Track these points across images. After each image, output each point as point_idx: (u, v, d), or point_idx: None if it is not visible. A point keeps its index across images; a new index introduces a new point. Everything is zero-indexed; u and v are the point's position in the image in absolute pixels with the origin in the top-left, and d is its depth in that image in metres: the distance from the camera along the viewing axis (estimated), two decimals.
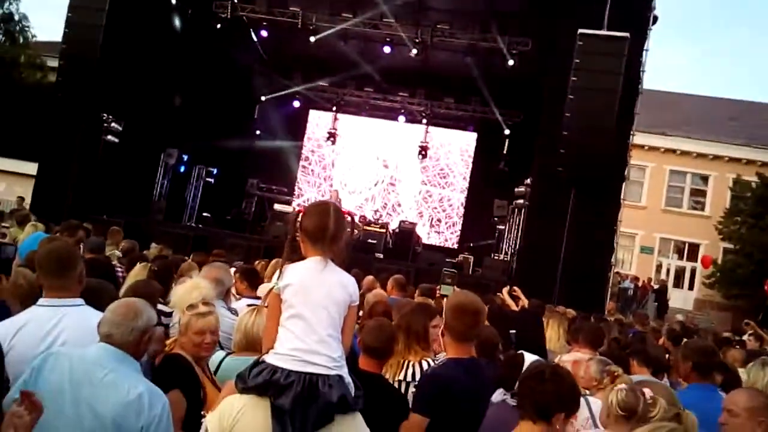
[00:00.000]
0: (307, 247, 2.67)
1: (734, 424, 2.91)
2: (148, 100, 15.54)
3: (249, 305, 4.07)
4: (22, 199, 14.92)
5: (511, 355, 3.65)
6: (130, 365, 2.62)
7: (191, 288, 3.86)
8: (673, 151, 27.59)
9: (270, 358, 2.50)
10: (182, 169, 17.94)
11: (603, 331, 5.25)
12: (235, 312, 4.31)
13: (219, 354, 3.53)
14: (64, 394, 2.51)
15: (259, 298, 5.01)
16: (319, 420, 2.39)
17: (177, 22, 16.35)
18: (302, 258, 2.68)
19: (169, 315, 4.11)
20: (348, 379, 2.52)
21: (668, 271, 27.37)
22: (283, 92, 21.29)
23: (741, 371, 4.68)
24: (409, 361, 3.77)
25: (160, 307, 4.23)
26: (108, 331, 2.61)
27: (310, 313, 2.53)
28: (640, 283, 21.94)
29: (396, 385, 3.63)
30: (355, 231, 16.32)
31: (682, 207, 28.00)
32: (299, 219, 2.75)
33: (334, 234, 2.61)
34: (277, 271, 2.77)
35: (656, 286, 21.27)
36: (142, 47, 14.92)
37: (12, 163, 20.27)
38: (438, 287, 5.05)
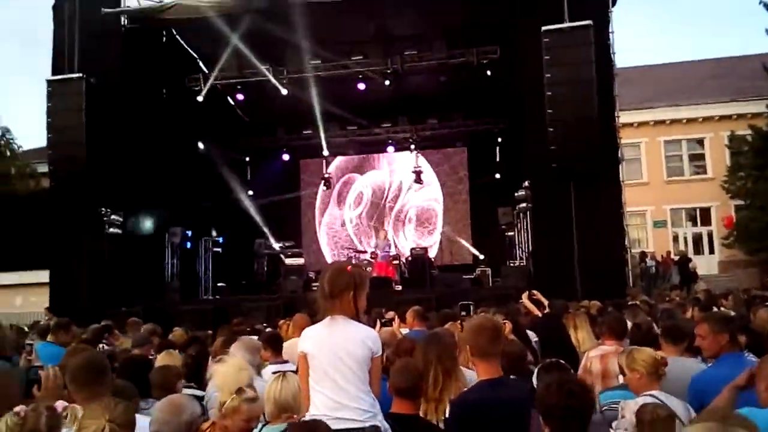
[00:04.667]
0: (323, 306, 2.81)
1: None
2: (142, 186, 15.71)
3: (274, 372, 4.08)
4: (49, 309, 14.94)
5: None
6: None
7: (237, 370, 3.78)
8: (663, 122, 27.61)
9: None
10: (188, 245, 18.06)
11: (624, 319, 5.23)
12: None
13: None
14: None
15: (285, 361, 5.03)
16: None
17: (153, 105, 16.60)
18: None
19: (201, 399, 4.14)
20: (384, 426, 2.58)
21: (686, 240, 27.21)
22: (269, 149, 21.56)
23: None
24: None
25: (192, 391, 4.27)
26: (158, 429, 2.78)
27: (334, 371, 2.62)
28: (660, 259, 21.79)
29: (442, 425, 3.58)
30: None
31: (684, 174, 27.92)
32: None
33: (330, 292, 2.72)
34: (304, 332, 2.88)
35: (676, 258, 21.09)
36: (125, 137, 15.17)
37: (23, 275, 20.49)
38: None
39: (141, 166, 15.62)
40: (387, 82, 17.37)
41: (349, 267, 2.90)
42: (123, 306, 14.01)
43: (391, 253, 17.92)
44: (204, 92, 17.66)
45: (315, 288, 2.89)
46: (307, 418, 2.66)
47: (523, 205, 15.43)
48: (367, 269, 17.32)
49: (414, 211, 22.54)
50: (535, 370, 3.95)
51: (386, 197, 22.80)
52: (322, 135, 21.14)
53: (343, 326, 2.74)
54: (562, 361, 3.94)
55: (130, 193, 15.43)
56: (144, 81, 15.94)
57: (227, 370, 3.66)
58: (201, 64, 18.28)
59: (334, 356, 2.68)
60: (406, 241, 21.87)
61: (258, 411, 3.30)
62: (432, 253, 20.48)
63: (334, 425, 2.49)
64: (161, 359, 5.35)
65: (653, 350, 3.77)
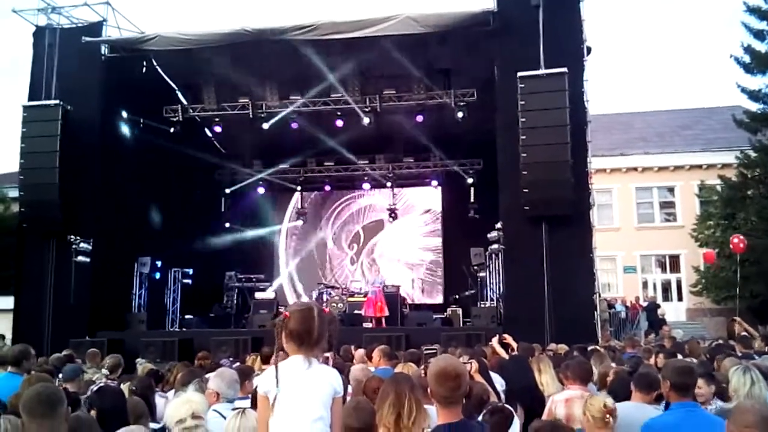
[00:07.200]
0: (292, 347, 2.75)
1: None
2: (113, 214, 15.57)
3: (234, 409, 4.05)
4: (2, 337, 14.63)
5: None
6: None
7: (182, 402, 3.85)
8: (635, 168, 28.12)
9: None
10: (157, 275, 17.83)
11: (590, 364, 5.26)
12: None
13: None
14: None
15: (247, 397, 4.97)
16: None
17: (130, 134, 16.61)
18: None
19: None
20: None
21: (654, 286, 27.53)
22: (246, 181, 21.51)
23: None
24: None
25: (151, 425, 4.22)
26: None
27: (296, 413, 2.61)
28: (628, 304, 21.99)
29: None
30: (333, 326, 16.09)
31: (654, 221, 28.37)
32: (285, 323, 2.81)
33: (318, 336, 2.70)
34: (265, 372, 2.83)
35: (645, 304, 21.30)
36: (99, 164, 15.12)
37: None
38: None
39: (113, 195, 15.52)
40: (366, 120, 17.49)
41: (327, 309, 2.91)
42: (87, 336, 13.80)
43: (380, 289, 17.41)
44: (179, 122, 17.76)
45: (283, 327, 2.76)
46: None
47: (495, 246, 15.51)
48: (339, 305, 17.25)
49: (388, 248, 22.55)
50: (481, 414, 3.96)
51: (360, 233, 22.81)
52: (300, 169, 21.32)
53: (314, 367, 2.72)
54: (507, 406, 3.97)
55: (100, 221, 15.27)
56: (122, 110, 15.92)
57: (174, 404, 3.71)
58: (180, 95, 18.31)
59: (296, 397, 2.64)
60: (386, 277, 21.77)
61: None
62: (405, 291, 20.45)
63: None
64: None
65: (603, 398, 3.86)
